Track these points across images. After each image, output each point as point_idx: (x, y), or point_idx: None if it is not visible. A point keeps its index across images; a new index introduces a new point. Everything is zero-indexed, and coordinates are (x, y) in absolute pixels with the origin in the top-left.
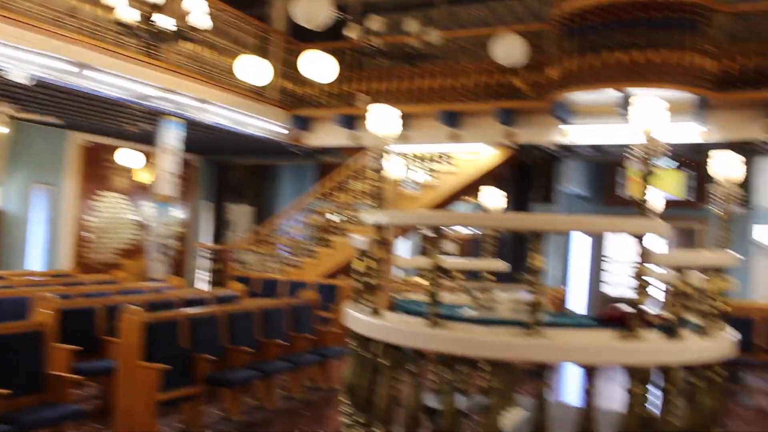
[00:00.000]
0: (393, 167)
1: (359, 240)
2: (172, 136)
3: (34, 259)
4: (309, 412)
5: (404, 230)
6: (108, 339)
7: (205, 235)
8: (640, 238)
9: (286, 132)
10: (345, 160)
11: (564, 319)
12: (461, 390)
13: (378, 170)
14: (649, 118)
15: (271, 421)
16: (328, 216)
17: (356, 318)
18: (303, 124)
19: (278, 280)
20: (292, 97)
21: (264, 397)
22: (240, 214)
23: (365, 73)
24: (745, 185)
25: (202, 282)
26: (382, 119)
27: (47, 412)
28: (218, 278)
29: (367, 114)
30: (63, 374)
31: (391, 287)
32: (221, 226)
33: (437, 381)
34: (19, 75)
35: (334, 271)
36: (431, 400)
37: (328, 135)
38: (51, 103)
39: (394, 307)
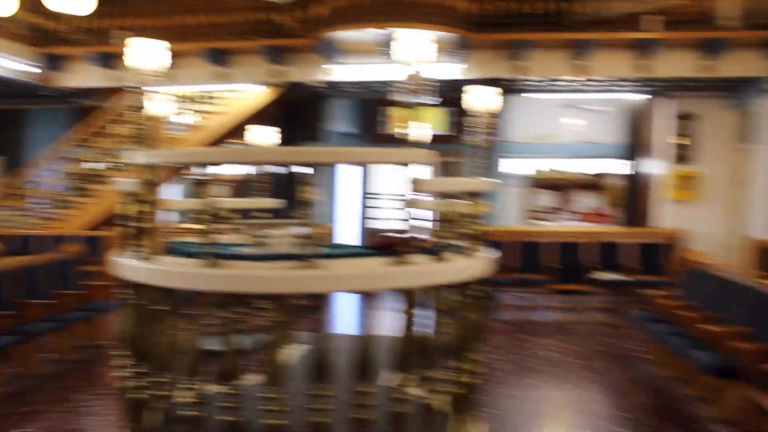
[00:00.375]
0: (157, 105)
1: (126, 183)
2: None
3: None
4: (80, 373)
5: (173, 173)
6: None
7: None
8: (405, 166)
9: (36, 72)
10: (104, 102)
11: (339, 249)
12: (241, 330)
13: (140, 108)
14: (412, 54)
15: (38, 387)
16: (89, 164)
17: (127, 265)
18: (54, 63)
19: (36, 235)
20: (41, 32)
21: (28, 362)
22: None
23: (123, 7)
24: (496, 120)
25: None
26: (144, 54)
27: None
28: None
29: (126, 49)
30: None
31: (164, 231)
32: None
33: (217, 323)
34: None
35: (99, 222)
36: (211, 343)
37: (83, 75)
38: None
39: (168, 251)
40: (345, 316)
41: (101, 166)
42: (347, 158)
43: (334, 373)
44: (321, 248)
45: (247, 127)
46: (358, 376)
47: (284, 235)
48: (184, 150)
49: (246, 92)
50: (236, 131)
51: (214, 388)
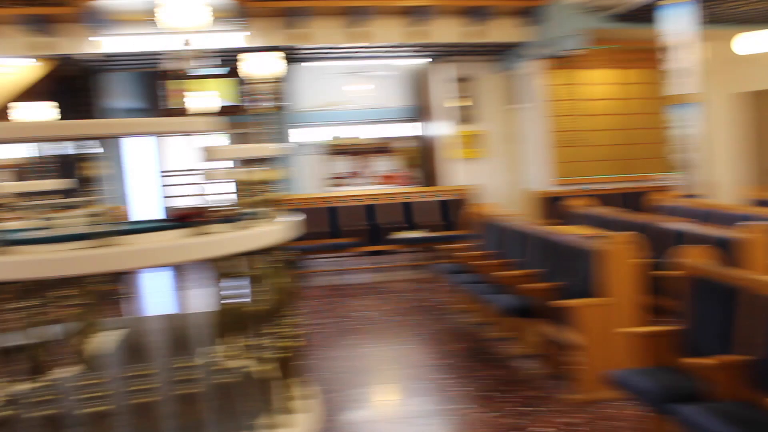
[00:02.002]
0: None
1: None
2: None
3: None
4: None
5: None
6: None
7: None
8: (192, 136)
9: None
10: None
11: (134, 225)
12: (45, 320)
13: None
14: (183, 22)
15: None
16: None
17: None
18: None
19: None
20: None
21: None
22: None
23: None
24: (280, 86)
25: None
26: None
27: None
28: None
29: None
30: None
31: None
32: None
33: (18, 315)
34: None
35: None
36: (14, 338)
37: None
38: None
39: None
40: (156, 297)
41: None
42: (128, 130)
43: (152, 353)
44: (116, 225)
45: (12, 105)
46: (177, 353)
47: (76, 215)
48: None
49: (9, 67)
50: (3, 111)
51: (24, 386)
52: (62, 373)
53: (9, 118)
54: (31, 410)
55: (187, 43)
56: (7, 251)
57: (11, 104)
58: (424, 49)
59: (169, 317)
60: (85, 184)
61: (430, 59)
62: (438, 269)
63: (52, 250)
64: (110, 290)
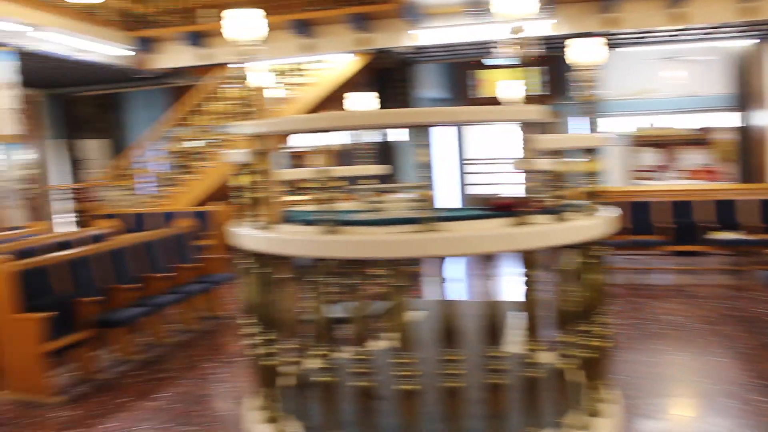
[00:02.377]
0: (258, 77)
1: (237, 154)
2: (2, 69)
3: None
4: (204, 342)
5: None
6: None
7: (60, 176)
8: (519, 124)
9: (130, 56)
10: (196, 80)
11: (455, 212)
12: (363, 296)
13: (243, 79)
14: (514, 8)
15: (169, 355)
16: (189, 142)
17: (247, 235)
18: (147, 45)
19: (147, 213)
20: (131, 17)
21: (157, 332)
22: (93, 149)
23: None
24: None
25: (65, 224)
26: (241, 25)
27: None
28: (82, 219)
29: (224, 21)
30: None
31: (279, 200)
32: (76, 164)
33: (340, 289)
34: None
35: (205, 198)
36: (335, 310)
37: (175, 55)
38: None
39: (285, 219)
40: (456, 281)
41: (200, 143)
42: (462, 118)
43: (461, 338)
44: (438, 211)
45: (345, 95)
46: (487, 342)
47: (399, 200)
48: (294, 117)
49: (334, 62)
50: (327, 102)
51: (343, 354)
52: (376, 347)
53: (342, 107)
54: (347, 379)
55: (516, 29)
56: (337, 230)
57: (344, 95)
58: (752, 28)
59: (478, 303)
60: (407, 171)
61: (759, 39)
62: (760, 276)
63: (378, 232)
64: (417, 271)
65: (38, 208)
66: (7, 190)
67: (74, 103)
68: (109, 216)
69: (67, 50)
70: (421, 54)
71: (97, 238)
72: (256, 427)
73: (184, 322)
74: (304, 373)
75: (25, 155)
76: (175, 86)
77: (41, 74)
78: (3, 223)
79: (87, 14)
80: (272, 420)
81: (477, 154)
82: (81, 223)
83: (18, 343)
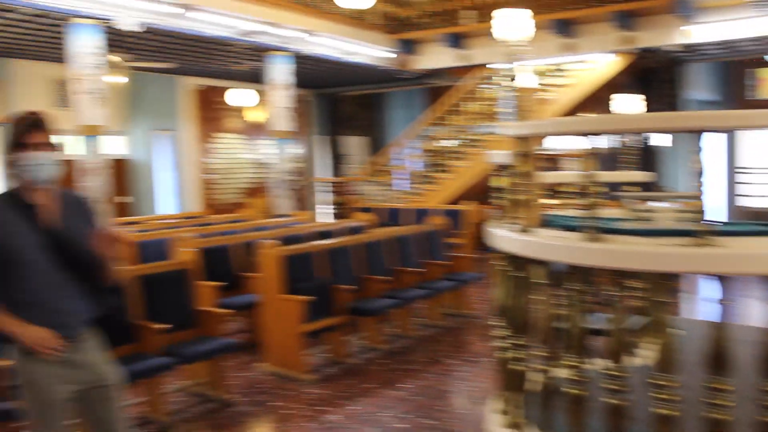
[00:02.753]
0: (524, 77)
1: (499, 155)
2: (281, 71)
3: (164, 203)
4: (448, 338)
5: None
6: (246, 275)
7: (322, 169)
8: None
9: (393, 57)
10: (454, 81)
11: (736, 227)
12: (622, 308)
13: (511, 79)
14: None
15: (413, 348)
16: (444, 141)
17: (505, 237)
18: (409, 47)
19: (401, 209)
20: (395, 20)
21: (403, 325)
22: (354, 145)
23: None
24: None
25: (324, 215)
26: (509, 24)
27: (203, 345)
28: (341, 210)
29: (494, 21)
30: (211, 309)
31: (539, 203)
32: (337, 159)
33: (596, 299)
34: (129, 23)
35: (457, 197)
36: (589, 320)
37: (435, 57)
38: (161, 49)
39: (544, 223)
40: (706, 301)
41: (455, 142)
42: (749, 123)
43: (732, 365)
44: (712, 224)
45: (611, 97)
46: (764, 374)
47: (668, 210)
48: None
49: (594, 62)
50: (586, 104)
51: (596, 367)
52: (631, 363)
53: (602, 109)
54: (596, 393)
55: None
56: (600, 238)
57: (603, 96)
58: None
59: (754, 329)
60: (670, 178)
61: None
62: None
63: (648, 242)
64: (676, 287)
65: (303, 199)
66: (278, 181)
67: (339, 102)
68: (366, 209)
69: (337, 53)
70: (693, 52)
71: (353, 230)
72: (497, 431)
73: (430, 317)
74: (551, 382)
75: (295, 150)
76: (433, 86)
77: (311, 76)
78: (273, 211)
79: (356, 19)
80: (514, 426)
81: (751, 162)
82: (338, 215)
83: (282, 321)
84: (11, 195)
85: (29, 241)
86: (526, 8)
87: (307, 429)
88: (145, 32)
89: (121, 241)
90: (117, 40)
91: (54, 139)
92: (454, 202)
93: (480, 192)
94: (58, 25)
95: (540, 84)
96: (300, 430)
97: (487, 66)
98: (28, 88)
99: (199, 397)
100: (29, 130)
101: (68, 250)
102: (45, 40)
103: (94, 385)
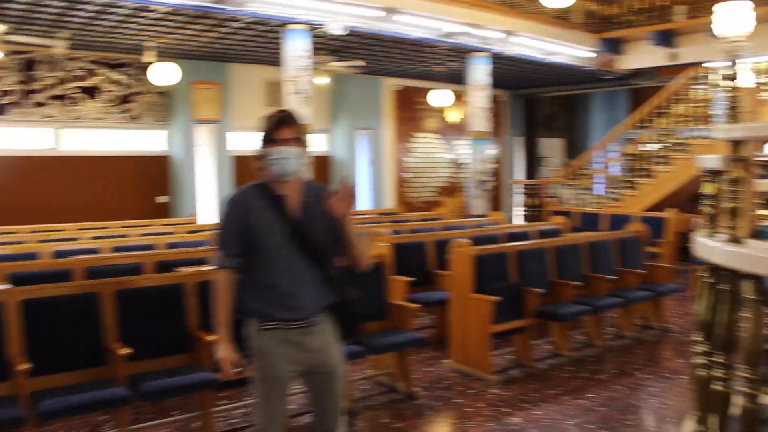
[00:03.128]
0: (743, 76)
1: (709, 160)
2: (479, 72)
3: (360, 200)
4: (640, 351)
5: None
6: (437, 272)
7: (517, 171)
8: None
9: (595, 57)
10: (661, 81)
11: None
12: None
13: (731, 78)
14: None
15: (602, 357)
16: (647, 145)
17: (711, 247)
18: (613, 46)
19: (598, 213)
20: (599, 18)
21: (593, 333)
22: (551, 147)
23: None
24: None
25: (518, 217)
26: (729, 18)
27: (392, 336)
28: (535, 213)
29: (714, 16)
30: (402, 303)
31: (752, 213)
32: (533, 161)
33: None
34: (336, 27)
35: (658, 204)
36: None
37: (641, 56)
38: (363, 52)
39: (757, 234)
40: None
41: (659, 146)
42: None
43: None
44: None
45: None
46: None
47: None
48: None
49: None
50: None
51: None
52: None
53: None
54: None
55: None
56: None
57: None
58: None
59: None
60: None
61: None
62: None
63: None
64: None
65: (497, 200)
66: (473, 181)
67: (535, 103)
68: (561, 213)
69: (538, 53)
70: None
71: (547, 233)
72: None
73: (622, 327)
74: (756, 407)
75: (490, 150)
76: (636, 87)
77: (508, 76)
78: (467, 211)
79: (558, 19)
80: None
81: None
82: (530, 217)
83: (470, 320)
84: (261, 185)
85: (273, 228)
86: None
87: (488, 429)
88: (348, 35)
89: (351, 202)
90: (323, 44)
91: (302, 135)
92: (655, 209)
93: (684, 199)
94: (274, 32)
95: (757, 83)
96: (480, 428)
97: (701, 64)
98: (244, 89)
99: (384, 387)
100: (278, 126)
101: (308, 239)
102: (261, 45)
103: (318, 370)
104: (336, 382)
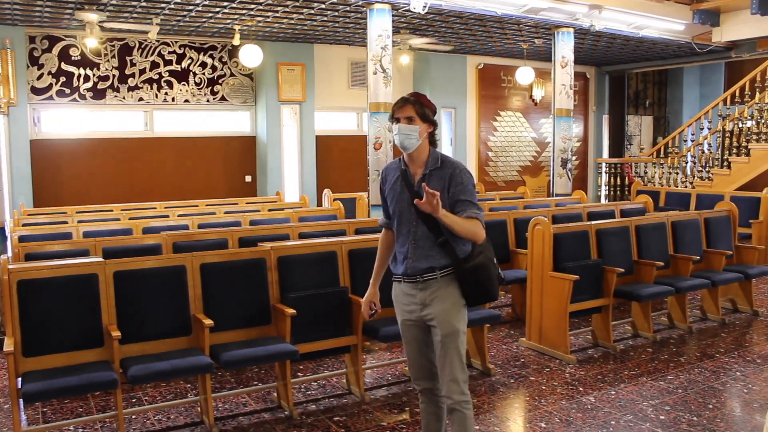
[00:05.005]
0: None
1: None
2: (565, 49)
3: None
4: (726, 335)
5: None
6: (517, 250)
7: (603, 149)
8: None
9: (689, 29)
10: (761, 54)
11: None
12: None
13: None
14: None
15: (684, 340)
16: (743, 122)
17: None
18: (709, 17)
19: (686, 193)
20: None
21: (676, 314)
22: (639, 125)
23: None
24: None
25: (603, 196)
26: None
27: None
28: (619, 192)
29: None
30: None
31: None
32: (619, 139)
33: None
34: (418, 5)
35: (754, 183)
36: None
37: (739, 26)
38: (446, 30)
39: None
40: None
41: (754, 123)
42: None
43: None
44: None
45: None
46: None
47: None
48: None
49: None
50: None
51: None
52: None
53: None
54: None
55: None
56: None
57: None
58: None
59: None
60: None
61: None
62: None
63: None
64: None
65: (580, 178)
66: (557, 160)
67: (622, 79)
68: (647, 192)
69: (627, 27)
70: None
71: (628, 212)
72: None
73: (707, 310)
74: None
75: (575, 128)
76: (732, 61)
77: (595, 52)
78: (550, 190)
79: None
80: None
81: None
82: (613, 196)
83: (548, 299)
84: (401, 159)
85: (401, 197)
86: None
87: (563, 407)
88: (431, 13)
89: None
90: (405, 22)
91: (420, 114)
92: (750, 189)
93: None
94: (358, 11)
95: None
96: (555, 406)
97: None
98: (328, 70)
99: None
100: (399, 106)
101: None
102: (344, 25)
103: (429, 324)
104: (444, 338)
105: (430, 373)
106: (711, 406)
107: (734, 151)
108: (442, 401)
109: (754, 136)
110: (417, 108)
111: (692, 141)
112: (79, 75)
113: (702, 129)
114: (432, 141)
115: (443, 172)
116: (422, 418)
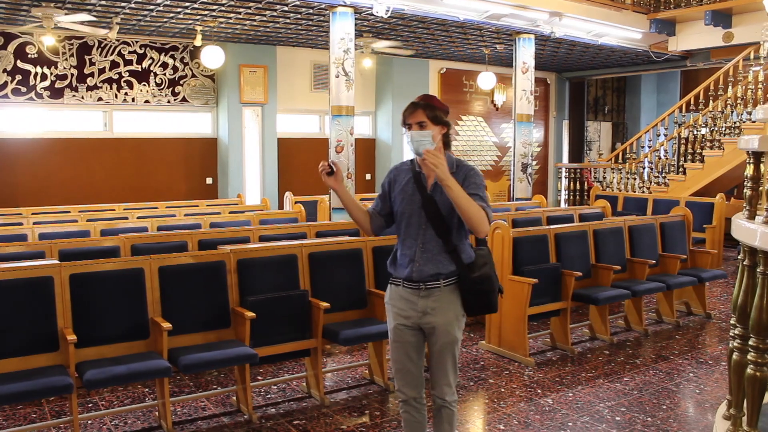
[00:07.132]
0: None
1: (750, 141)
2: (526, 55)
3: None
4: (680, 337)
5: None
6: None
7: (563, 154)
8: None
9: (647, 38)
10: (714, 63)
11: None
12: None
13: None
14: None
15: (640, 342)
16: (696, 129)
17: (748, 228)
18: (666, 27)
19: (643, 198)
20: None
21: (632, 317)
22: (598, 131)
23: None
24: None
25: (563, 200)
26: None
27: None
28: (578, 197)
29: None
30: None
31: None
32: (578, 144)
33: None
34: (381, 9)
35: (704, 189)
36: None
37: (694, 36)
38: (409, 34)
39: None
40: None
41: (706, 130)
42: None
43: None
44: None
45: None
46: None
47: None
48: None
49: None
50: None
51: None
52: None
53: None
54: None
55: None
56: None
57: None
58: None
59: None
60: None
61: None
62: None
63: None
64: None
65: (542, 184)
66: (517, 164)
67: (582, 86)
68: (605, 197)
69: (584, 35)
70: None
71: (586, 217)
72: None
73: (662, 313)
74: None
75: (534, 134)
76: (688, 69)
77: (555, 58)
78: (510, 194)
79: None
80: None
81: None
82: (573, 201)
83: (509, 302)
84: (411, 161)
85: (412, 199)
86: None
87: (521, 409)
88: (393, 17)
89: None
90: (368, 26)
91: (431, 118)
92: (701, 195)
93: (733, 185)
94: (320, 14)
95: None
96: (513, 409)
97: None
98: (290, 72)
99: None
100: (410, 112)
101: (435, 212)
102: (307, 28)
103: (427, 331)
104: (442, 347)
105: (417, 380)
106: (665, 407)
107: (689, 157)
108: (424, 408)
109: (708, 143)
110: (428, 112)
111: (649, 147)
112: (36, 73)
113: (659, 136)
114: (446, 142)
115: (458, 177)
116: (405, 427)
